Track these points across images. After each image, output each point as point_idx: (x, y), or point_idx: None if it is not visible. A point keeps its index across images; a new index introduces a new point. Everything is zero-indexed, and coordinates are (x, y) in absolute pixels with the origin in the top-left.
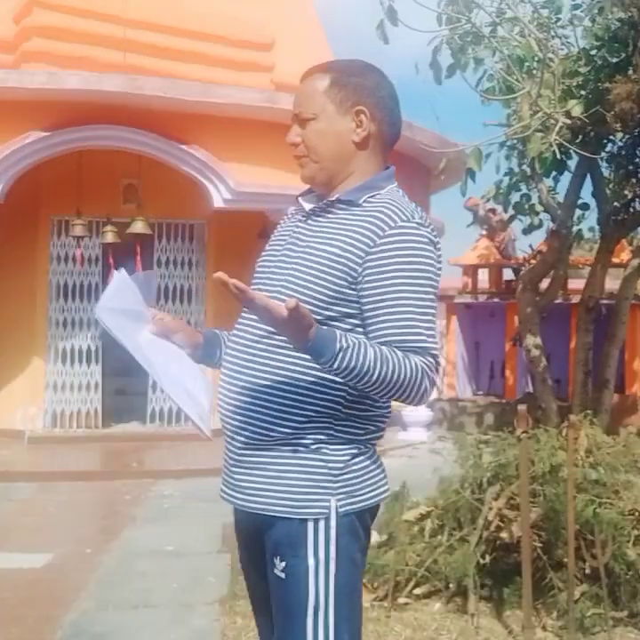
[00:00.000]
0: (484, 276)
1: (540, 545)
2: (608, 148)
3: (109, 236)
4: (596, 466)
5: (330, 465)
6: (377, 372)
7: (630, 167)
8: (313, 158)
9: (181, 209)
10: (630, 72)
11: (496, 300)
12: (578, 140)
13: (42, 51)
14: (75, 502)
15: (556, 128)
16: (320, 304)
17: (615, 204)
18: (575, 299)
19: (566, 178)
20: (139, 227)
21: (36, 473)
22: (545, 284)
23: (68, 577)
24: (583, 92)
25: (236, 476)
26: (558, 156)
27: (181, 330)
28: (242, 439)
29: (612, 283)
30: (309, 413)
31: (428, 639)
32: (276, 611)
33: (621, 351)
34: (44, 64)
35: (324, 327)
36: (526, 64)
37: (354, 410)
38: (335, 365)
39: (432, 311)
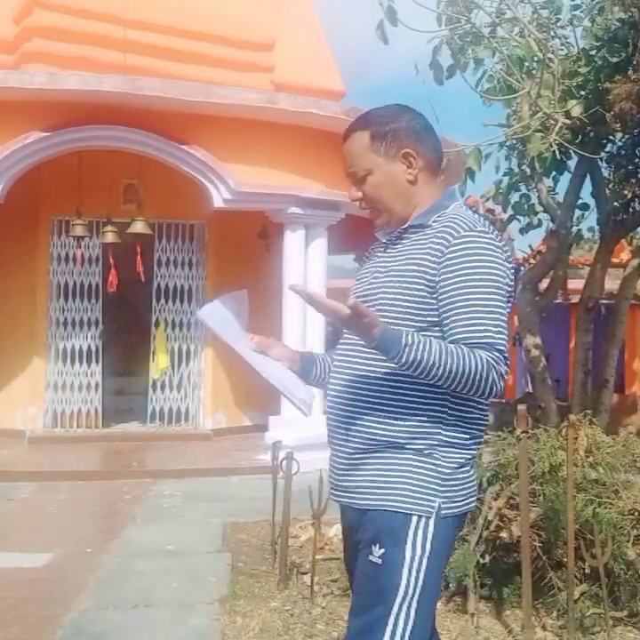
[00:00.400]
0: None
1: (540, 545)
2: (608, 149)
3: (109, 236)
4: (595, 465)
5: (439, 469)
6: (442, 366)
7: (630, 167)
8: (379, 208)
9: (181, 209)
10: (630, 72)
11: None
12: (577, 141)
13: (42, 51)
14: (75, 502)
15: (556, 128)
16: (411, 317)
17: (615, 204)
18: (575, 299)
19: (566, 178)
20: (139, 227)
21: (37, 473)
22: (544, 284)
23: (68, 576)
24: (583, 93)
25: (349, 479)
26: (558, 157)
27: (277, 346)
28: (355, 445)
29: (611, 283)
30: (420, 418)
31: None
32: (363, 594)
33: (621, 351)
34: (44, 64)
35: (392, 327)
36: (526, 64)
37: (459, 413)
38: (403, 360)
39: (499, 309)
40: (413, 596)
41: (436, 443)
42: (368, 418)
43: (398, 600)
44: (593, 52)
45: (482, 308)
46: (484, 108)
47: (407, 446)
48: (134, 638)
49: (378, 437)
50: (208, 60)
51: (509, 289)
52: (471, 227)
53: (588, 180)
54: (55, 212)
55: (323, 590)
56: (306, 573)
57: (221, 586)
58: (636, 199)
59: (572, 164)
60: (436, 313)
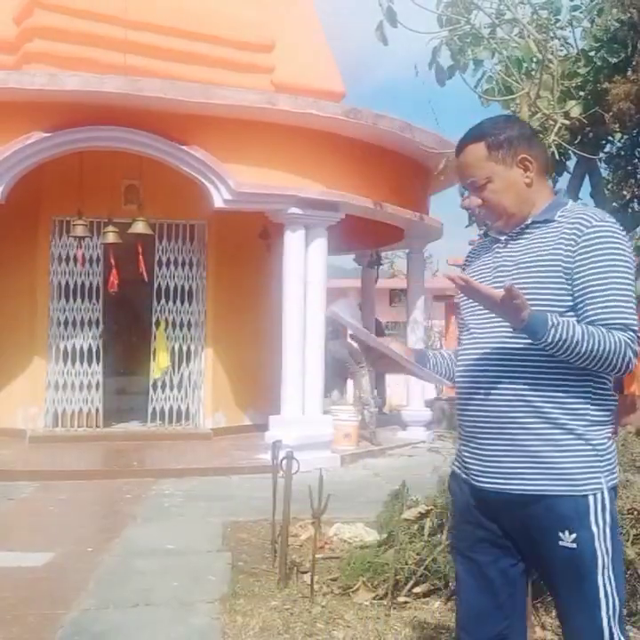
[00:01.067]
0: None
1: None
2: (607, 149)
3: (110, 237)
4: None
5: (597, 447)
6: (585, 345)
7: (629, 168)
8: (499, 212)
9: (182, 209)
10: (629, 73)
11: None
12: (576, 141)
13: (43, 52)
14: (75, 501)
15: (555, 129)
16: (549, 303)
17: (614, 204)
18: None
19: (565, 179)
20: (139, 227)
21: (38, 472)
22: None
23: (68, 576)
24: (582, 93)
25: (506, 464)
26: (557, 157)
27: (394, 341)
28: (512, 433)
29: None
30: (571, 401)
31: (428, 638)
32: (567, 581)
33: None
34: (44, 65)
35: (536, 310)
36: (525, 65)
37: (601, 391)
38: (549, 339)
39: (631, 292)
40: (609, 562)
41: (587, 423)
42: (524, 406)
43: (600, 571)
44: (592, 53)
45: (617, 291)
46: (484, 108)
47: (565, 427)
48: (135, 637)
49: (535, 423)
50: (208, 60)
51: (633, 273)
52: (600, 218)
53: (586, 181)
54: (56, 213)
55: (323, 589)
56: (306, 572)
57: (221, 585)
58: (636, 200)
59: (570, 164)
60: (571, 297)
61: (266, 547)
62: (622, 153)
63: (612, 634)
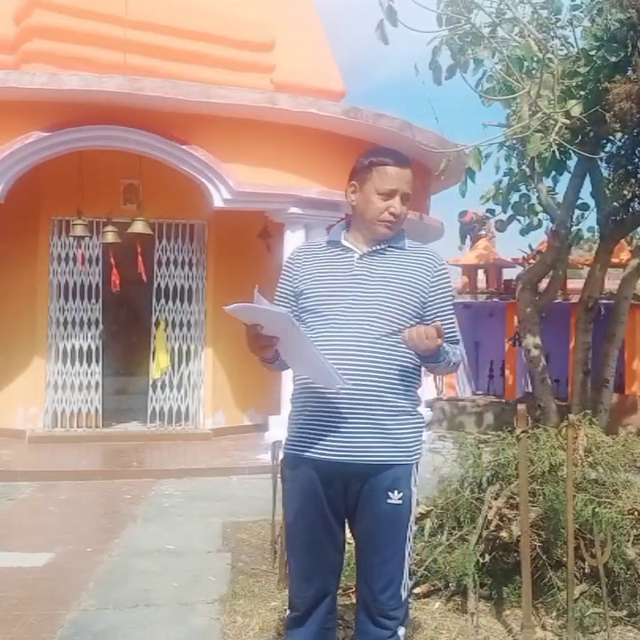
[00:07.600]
0: (483, 275)
1: (540, 544)
2: (607, 148)
3: (110, 237)
4: (595, 465)
5: (421, 423)
6: (451, 359)
7: (629, 167)
8: (399, 226)
9: (182, 209)
10: (629, 72)
11: (495, 299)
12: (577, 141)
13: (42, 51)
14: (75, 502)
15: (556, 128)
16: (408, 315)
17: (614, 204)
18: (574, 298)
19: (566, 178)
20: (139, 227)
21: (37, 472)
22: (544, 284)
23: (68, 576)
24: (582, 93)
25: (359, 439)
26: (558, 157)
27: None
28: (381, 414)
29: (611, 283)
30: (414, 391)
31: (428, 638)
32: (386, 532)
33: (621, 351)
34: (44, 64)
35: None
36: (526, 64)
37: (420, 381)
38: (443, 360)
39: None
40: (413, 520)
41: (416, 404)
42: (392, 394)
43: (409, 525)
44: (592, 52)
45: (454, 316)
46: (484, 108)
47: (412, 412)
48: (134, 638)
49: (398, 406)
50: (208, 60)
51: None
52: (440, 256)
53: (587, 180)
54: (55, 212)
55: None
56: None
57: (221, 585)
58: (636, 199)
59: (571, 164)
60: (419, 313)
61: (266, 547)
62: (623, 152)
63: (407, 583)
